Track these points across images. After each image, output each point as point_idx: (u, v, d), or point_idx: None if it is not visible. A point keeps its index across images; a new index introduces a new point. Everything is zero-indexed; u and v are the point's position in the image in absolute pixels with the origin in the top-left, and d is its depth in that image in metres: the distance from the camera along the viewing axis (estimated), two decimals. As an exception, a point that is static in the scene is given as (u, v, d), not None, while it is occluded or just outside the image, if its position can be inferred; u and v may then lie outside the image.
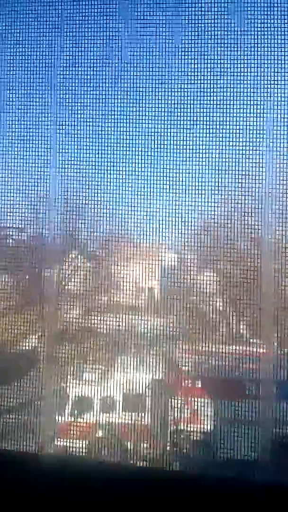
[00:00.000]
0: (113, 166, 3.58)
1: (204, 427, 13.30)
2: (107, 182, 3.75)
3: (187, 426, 13.48)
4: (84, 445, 13.25)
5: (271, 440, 11.85)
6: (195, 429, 13.42)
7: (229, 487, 2.92)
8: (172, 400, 13.93)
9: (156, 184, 3.64)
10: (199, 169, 3.45)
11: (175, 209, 3.54)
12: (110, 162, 3.57)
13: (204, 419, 13.28)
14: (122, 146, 3.54)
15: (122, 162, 3.54)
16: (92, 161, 3.66)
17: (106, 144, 3.55)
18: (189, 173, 3.66)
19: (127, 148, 3.55)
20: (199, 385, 14.08)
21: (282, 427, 11.90)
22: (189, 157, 3.44)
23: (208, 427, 13.06)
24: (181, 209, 3.60)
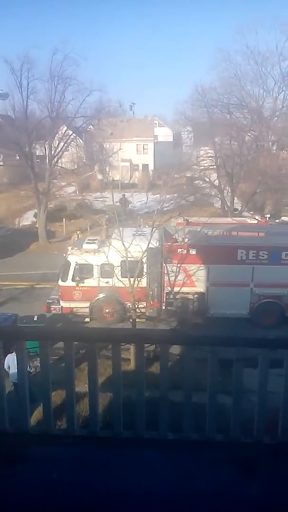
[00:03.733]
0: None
1: (198, 289, 14.43)
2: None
3: (181, 288, 14.56)
4: (86, 306, 14.34)
5: (258, 300, 12.83)
6: (189, 291, 14.57)
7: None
8: (168, 265, 14.74)
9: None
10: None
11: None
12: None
13: (198, 282, 14.27)
14: None
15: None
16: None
17: None
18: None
19: None
20: (194, 252, 14.71)
21: (265, 289, 12.74)
22: None
23: (202, 289, 14.18)
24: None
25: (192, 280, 15.19)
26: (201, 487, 2.73)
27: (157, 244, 14.86)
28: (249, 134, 29.95)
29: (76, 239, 20.21)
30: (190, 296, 15.31)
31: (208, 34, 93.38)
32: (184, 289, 15.27)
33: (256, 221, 18.76)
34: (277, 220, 20.08)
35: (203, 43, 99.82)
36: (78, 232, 21.68)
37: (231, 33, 70.02)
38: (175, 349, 3.92)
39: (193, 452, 3.07)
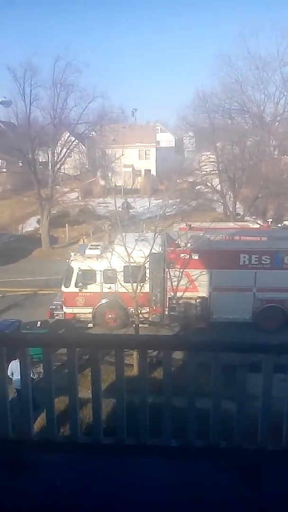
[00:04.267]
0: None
1: (200, 294, 14.37)
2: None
3: (184, 293, 14.52)
4: (89, 312, 14.34)
5: (261, 305, 12.81)
6: (192, 296, 14.52)
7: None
8: (170, 271, 14.74)
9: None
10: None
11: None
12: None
13: (200, 287, 14.23)
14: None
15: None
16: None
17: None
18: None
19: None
20: (196, 257, 14.70)
21: (267, 294, 12.67)
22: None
23: (204, 294, 14.12)
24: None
25: (195, 285, 15.17)
26: (205, 494, 2.71)
27: (160, 249, 14.86)
28: (251, 139, 30.04)
29: (82, 243, 20.24)
30: (193, 301, 15.28)
31: (209, 39, 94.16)
32: (187, 294, 15.25)
33: (258, 226, 18.75)
34: (279, 225, 20.08)
35: (205, 48, 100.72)
36: (84, 236, 21.71)
37: (232, 38, 70.72)
38: (178, 354, 3.91)
39: (197, 458, 3.05)
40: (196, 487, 2.76)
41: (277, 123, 31.28)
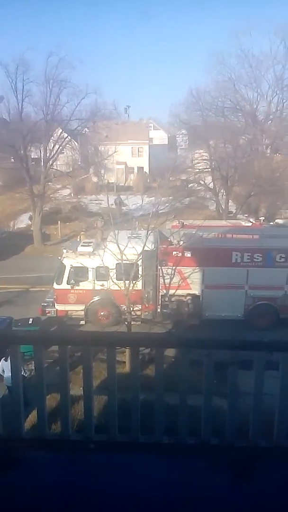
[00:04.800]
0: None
1: (193, 292, 14.42)
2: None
3: (176, 291, 14.54)
4: (81, 309, 14.30)
5: (253, 303, 12.88)
6: (184, 294, 14.56)
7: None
8: (163, 268, 14.73)
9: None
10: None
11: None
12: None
13: (193, 285, 14.25)
14: None
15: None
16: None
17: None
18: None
19: None
20: (189, 255, 14.72)
21: (259, 292, 12.80)
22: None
23: (197, 292, 14.18)
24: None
25: (187, 282, 15.20)
26: (197, 491, 2.72)
27: (153, 246, 14.86)
28: (244, 137, 30.11)
29: (78, 240, 20.09)
30: (185, 299, 15.32)
31: (203, 37, 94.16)
32: (179, 292, 15.29)
33: (250, 224, 18.83)
34: (271, 223, 20.17)
35: (198, 46, 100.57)
36: (82, 232, 21.41)
37: (226, 36, 70.61)
38: (171, 351, 3.91)
39: (189, 456, 3.06)
40: (188, 484, 2.76)
41: (270, 121, 31.38)
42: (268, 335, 3.08)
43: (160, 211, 14.93)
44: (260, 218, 20.90)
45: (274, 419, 3.01)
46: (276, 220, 21.16)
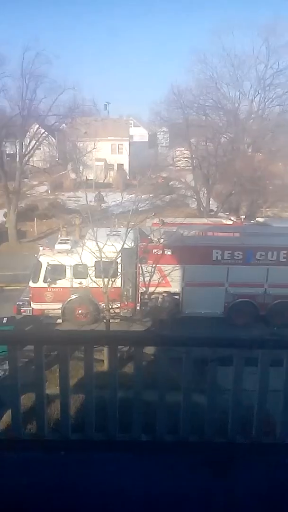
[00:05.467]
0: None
1: (173, 289, 14.39)
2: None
3: (156, 288, 14.47)
4: (58, 308, 14.08)
5: (232, 300, 12.90)
6: (164, 291, 14.48)
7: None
8: (143, 266, 14.62)
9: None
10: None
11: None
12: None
13: (173, 282, 14.23)
14: None
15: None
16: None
17: None
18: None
19: None
20: (169, 253, 14.67)
21: (239, 289, 12.88)
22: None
23: (177, 289, 14.15)
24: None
25: (167, 280, 15.21)
26: (176, 489, 2.69)
27: (132, 244, 14.79)
28: (225, 136, 30.31)
29: (60, 235, 19.71)
30: (165, 296, 15.33)
31: (184, 35, 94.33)
32: (159, 289, 15.28)
33: (231, 222, 18.99)
34: (252, 221, 20.40)
35: (180, 44, 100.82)
36: (65, 228, 21.03)
37: (208, 35, 70.81)
38: (150, 349, 3.87)
39: (167, 453, 3.02)
40: (166, 481, 2.73)
41: (251, 120, 31.66)
42: (247, 332, 3.08)
43: (140, 209, 14.87)
44: (241, 217, 21.10)
45: (253, 415, 3.01)
46: (257, 219, 21.42)
